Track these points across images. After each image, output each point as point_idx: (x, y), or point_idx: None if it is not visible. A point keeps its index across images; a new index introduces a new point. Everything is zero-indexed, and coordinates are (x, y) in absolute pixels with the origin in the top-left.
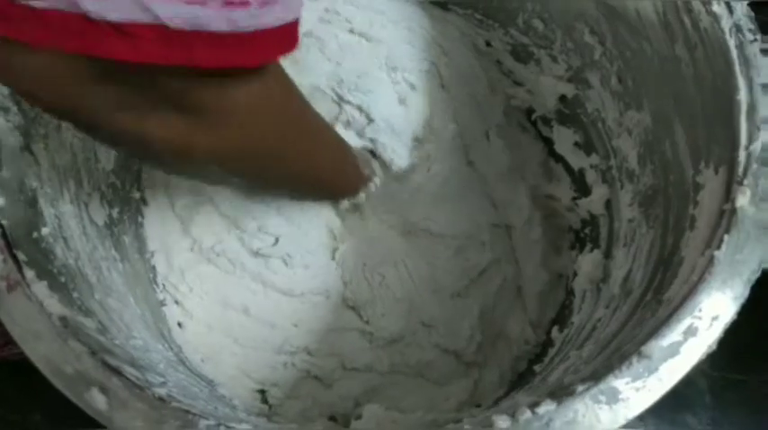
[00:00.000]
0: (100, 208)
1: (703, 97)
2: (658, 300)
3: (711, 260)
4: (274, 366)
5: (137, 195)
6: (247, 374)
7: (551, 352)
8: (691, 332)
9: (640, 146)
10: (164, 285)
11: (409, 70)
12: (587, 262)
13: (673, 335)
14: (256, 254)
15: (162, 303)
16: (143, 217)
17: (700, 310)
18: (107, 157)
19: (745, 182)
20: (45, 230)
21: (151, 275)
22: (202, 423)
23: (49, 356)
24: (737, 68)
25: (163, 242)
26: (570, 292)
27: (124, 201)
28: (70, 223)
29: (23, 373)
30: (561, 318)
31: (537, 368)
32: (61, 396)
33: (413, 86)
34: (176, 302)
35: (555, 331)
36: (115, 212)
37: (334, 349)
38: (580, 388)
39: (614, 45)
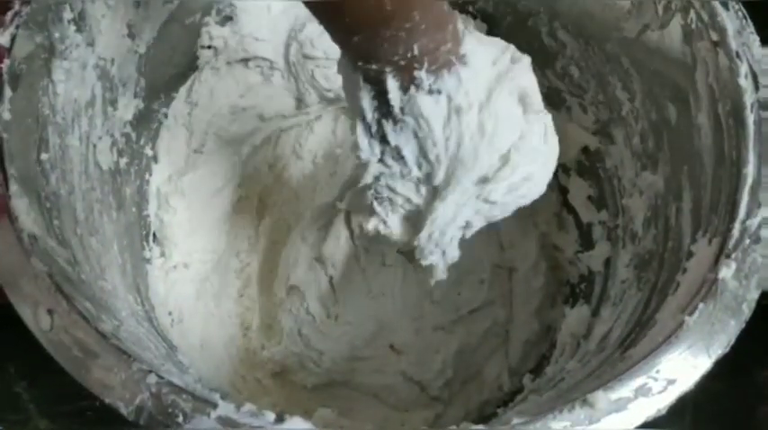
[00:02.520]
0: (108, 153)
1: (715, 168)
2: (622, 357)
3: (681, 324)
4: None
5: (149, 152)
6: (208, 348)
7: (518, 398)
8: (642, 391)
9: (648, 209)
10: (154, 244)
11: None
12: (574, 316)
13: (623, 390)
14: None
15: (148, 261)
16: (151, 174)
17: (657, 371)
18: (126, 107)
19: (734, 255)
20: (44, 156)
21: (144, 232)
22: (135, 365)
23: (9, 269)
24: (751, 143)
25: (161, 198)
26: (553, 345)
27: (135, 154)
28: (74, 158)
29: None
30: (538, 368)
31: (500, 411)
32: (35, 348)
33: None
34: (162, 255)
35: (527, 379)
36: (123, 162)
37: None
38: (516, 421)
39: (642, 104)
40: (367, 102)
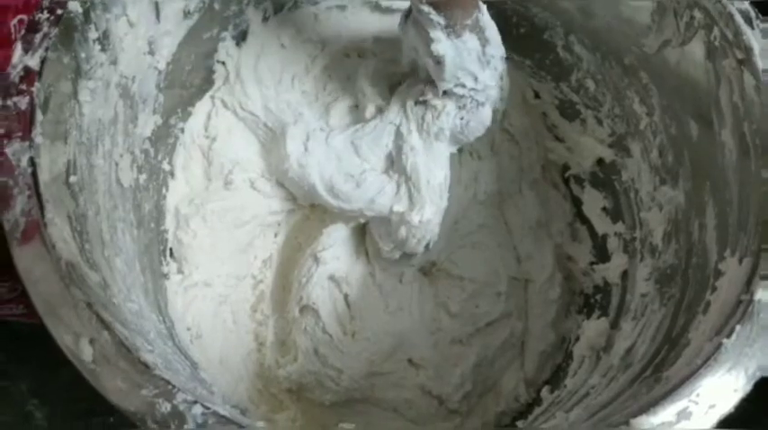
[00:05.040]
0: (129, 170)
1: (741, 186)
2: (657, 378)
3: (719, 347)
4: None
5: (167, 167)
6: (227, 363)
7: (537, 410)
8: (684, 415)
9: (668, 223)
10: (171, 259)
11: None
12: (592, 328)
13: (665, 414)
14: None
15: (165, 276)
16: (167, 189)
17: (697, 395)
18: (145, 123)
19: None
20: (73, 179)
21: (161, 248)
22: (180, 396)
23: (48, 298)
24: None
25: (180, 218)
26: (569, 356)
27: (153, 170)
28: (98, 178)
29: (13, 340)
30: (555, 380)
31: (520, 424)
32: (47, 366)
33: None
34: (180, 272)
35: (545, 391)
36: (142, 178)
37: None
38: None
39: (661, 119)
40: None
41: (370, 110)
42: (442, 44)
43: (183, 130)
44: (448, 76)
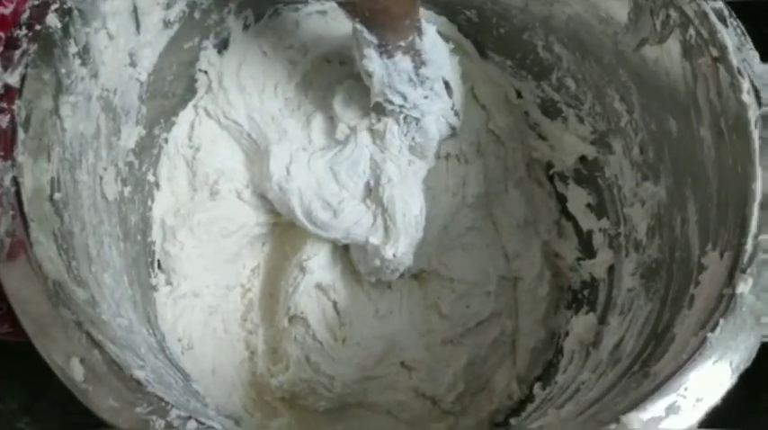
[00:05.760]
0: (113, 183)
1: (720, 181)
2: (645, 373)
3: (704, 341)
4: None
5: (151, 178)
6: (219, 373)
7: (530, 407)
8: (673, 409)
9: (651, 218)
10: (159, 270)
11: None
12: (580, 324)
13: (655, 409)
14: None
15: (154, 288)
16: (153, 201)
17: (685, 389)
18: (129, 135)
19: (749, 270)
20: (57, 195)
21: (149, 259)
22: (174, 412)
23: (36, 318)
24: (757, 158)
25: (167, 229)
26: (559, 351)
27: (138, 182)
28: (83, 193)
29: (1, 356)
30: (546, 376)
31: (513, 421)
32: (37, 383)
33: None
34: (169, 283)
35: (537, 388)
36: (127, 191)
37: (312, 370)
38: None
39: (641, 116)
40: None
41: (342, 130)
42: (373, 62)
43: (166, 140)
44: (376, 91)
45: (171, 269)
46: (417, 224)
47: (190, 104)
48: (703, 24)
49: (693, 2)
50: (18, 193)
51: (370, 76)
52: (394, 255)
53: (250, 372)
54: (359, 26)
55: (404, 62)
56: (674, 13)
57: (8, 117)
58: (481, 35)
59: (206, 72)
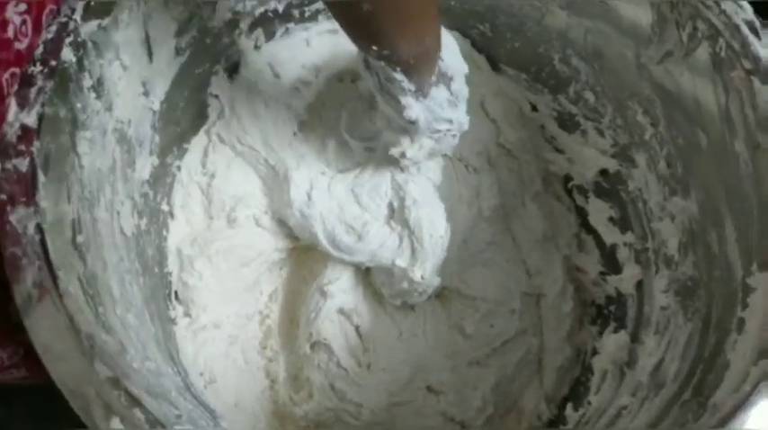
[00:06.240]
0: (130, 217)
1: (760, 197)
2: (700, 403)
3: (766, 373)
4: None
5: (165, 208)
6: (242, 406)
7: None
8: None
9: (683, 233)
10: (177, 302)
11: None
12: (612, 342)
13: None
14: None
15: (173, 322)
16: (168, 231)
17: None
18: (143, 166)
19: None
20: (80, 238)
21: (166, 291)
22: None
23: (71, 376)
24: None
25: (184, 259)
26: (587, 369)
27: (153, 213)
28: (102, 231)
29: (11, 393)
30: (575, 395)
31: None
32: (48, 419)
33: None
34: (188, 315)
35: (569, 409)
36: (143, 223)
37: (337, 398)
38: None
39: (667, 129)
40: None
41: (359, 154)
42: (414, 109)
43: (179, 168)
44: (424, 132)
45: (189, 300)
46: (443, 244)
47: (201, 130)
48: (734, 36)
49: (722, 14)
50: (43, 242)
51: (413, 123)
52: (422, 277)
53: (272, 402)
54: (399, 76)
55: (440, 92)
56: (701, 26)
57: (27, 160)
58: (494, 49)
59: (217, 96)
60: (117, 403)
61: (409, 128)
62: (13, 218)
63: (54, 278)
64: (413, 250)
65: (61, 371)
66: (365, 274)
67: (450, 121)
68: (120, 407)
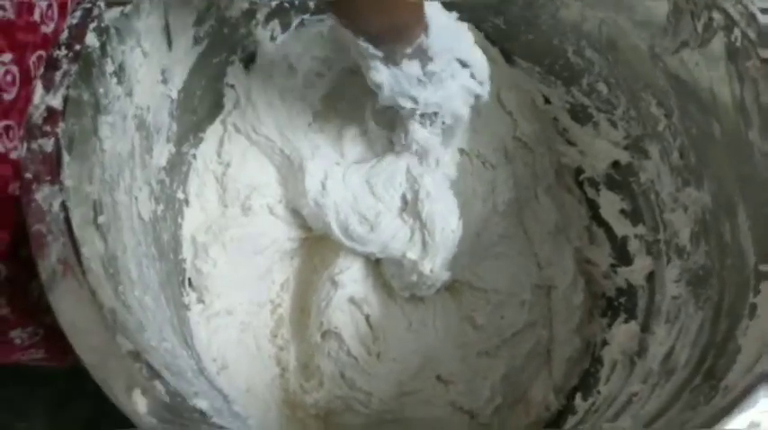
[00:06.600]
0: (147, 202)
1: None
2: (712, 385)
3: None
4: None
5: (181, 196)
6: (253, 391)
7: (572, 419)
8: (753, 425)
9: (695, 224)
10: (190, 288)
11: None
12: (622, 332)
13: (735, 423)
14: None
15: (187, 307)
16: (183, 218)
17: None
18: (161, 153)
19: None
20: (101, 219)
21: (180, 278)
22: None
23: (94, 349)
24: None
25: (198, 247)
26: (596, 360)
27: (169, 199)
28: (122, 214)
29: (29, 381)
30: (585, 386)
31: None
32: (63, 406)
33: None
34: (201, 301)
35: (578, 398)
36: (159, 209)
37: (347, 386)
38: None
39: (680, 120)
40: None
41: (379, 144)
42: (381, 73)
43: (194, 157)
44: (386, 99)
45: (203, 287)
46: (455, 238)
47: (217, 120)
48: (750, 26)
49: (739, 3)
50: (67, 219)
51: (378, 87)
52: (431, 271)
53: (282, 390)
54: (363, 44)
55: (411, 67)
56: (717, 15)
57: (53, 140)
58: (508, 42)
59: (233, 86)
60: (138, 375)
61: (375, 90)
62: (38, 196)
63: (78, 254)
64: (424, 243)
65: (84, 344)
66: (376, 265)
67: (416, 101)
68: (142, 379)
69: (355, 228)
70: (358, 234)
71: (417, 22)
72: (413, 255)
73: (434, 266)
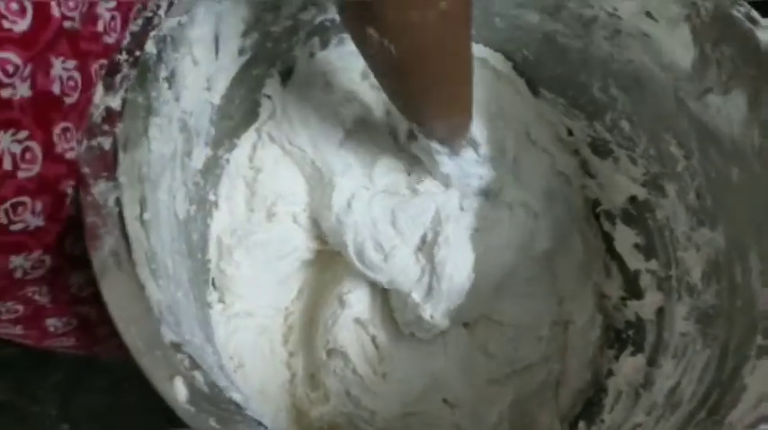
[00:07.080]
0: (183, 202)
1: None
2: (716, 421)
3: None
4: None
5: (212, 198)
6: (266, 393)
7: None
8: None
9: (707, 264)
10: (213, 288)
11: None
12: (629, 365)
13: None
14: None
15: (209, 305)
16: (212, 219)
17: None
18: (198, 156)
19: None
20: (146, 216)
21: (205, 277)
22: None
23: (141, 338)
24: None
25: (223, 249)
26: (600, 389)
27: (201, 201)
28: (162, 212)
29: (43, 366)
30: (588, 414)
31: None
32: (76, 390)
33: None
34: (222, 301)
35: (582, 426)
36: (192, 210)
37: (352, 404)
38: None
39: (700, 163)
40: None
41: (420, 183)
42: (447, 166)
43: (228, 161)
44: (457, 186)
45: (225, 288)
46: (461, 291)
47: (252, 128)
48: None
49: (763, 54)
50: (121, 214)
51: (446, 176)
52: (431, 316)
53: (291, 394)
54: (434, 144)
55: (469, 152)
56: (741, 66)
57: (111, 139)
58: (536, 74)
59: (270, 97)
60: (180, 366)
61: (442, 181)
62: (95, 190)
63: (129, 248)
64: (430, 287)
65: (132, 333)
66: (384, 290)
67: (480, 177)
68: (183, 369)
69: (369, 254)
70: (371, 260)
71: (470, 121)
72: (417, 296)
73: (435, 313)
